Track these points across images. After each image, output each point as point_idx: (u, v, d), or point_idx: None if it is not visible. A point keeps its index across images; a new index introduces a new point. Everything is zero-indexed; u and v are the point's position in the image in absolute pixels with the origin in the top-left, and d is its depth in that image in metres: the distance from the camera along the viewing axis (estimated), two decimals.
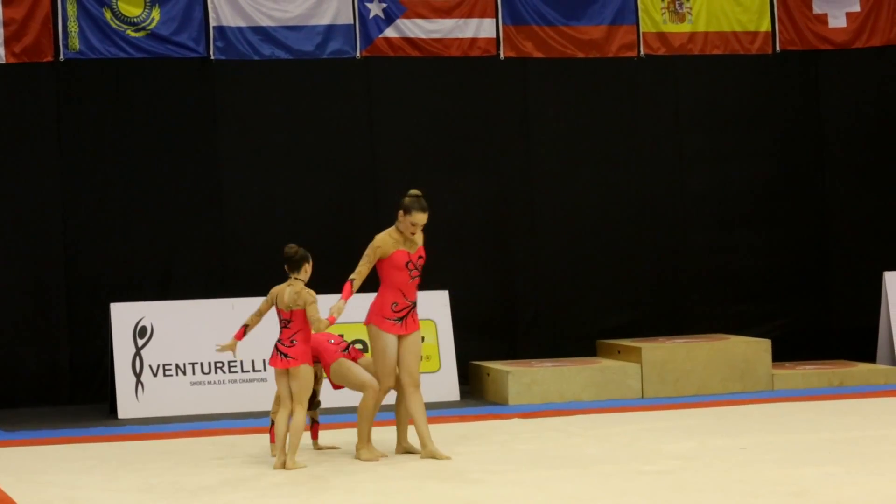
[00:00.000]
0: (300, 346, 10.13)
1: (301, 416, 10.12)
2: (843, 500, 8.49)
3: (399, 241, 10.36)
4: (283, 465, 10.04)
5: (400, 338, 10.36)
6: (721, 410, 12.54)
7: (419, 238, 10.44)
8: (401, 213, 10.37)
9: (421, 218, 10.34)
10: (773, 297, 15.35)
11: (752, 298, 15.29)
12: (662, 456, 10.19)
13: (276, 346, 10.22)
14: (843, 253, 15.49)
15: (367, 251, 10.32)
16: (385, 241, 10.32)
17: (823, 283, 15.50)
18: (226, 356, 13.05)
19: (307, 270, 10.25)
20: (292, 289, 10.18)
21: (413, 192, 10.44)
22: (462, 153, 14.84)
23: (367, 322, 10.42)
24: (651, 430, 11.46)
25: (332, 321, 10.11)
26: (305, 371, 10.15)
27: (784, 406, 12.71)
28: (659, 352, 13.73)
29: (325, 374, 10.64)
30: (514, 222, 14.96)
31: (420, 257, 10.41)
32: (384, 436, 10.70)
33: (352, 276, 10.23)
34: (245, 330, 10.39)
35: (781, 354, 14.38)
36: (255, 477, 9.81)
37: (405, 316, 10.36)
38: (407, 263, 10.32)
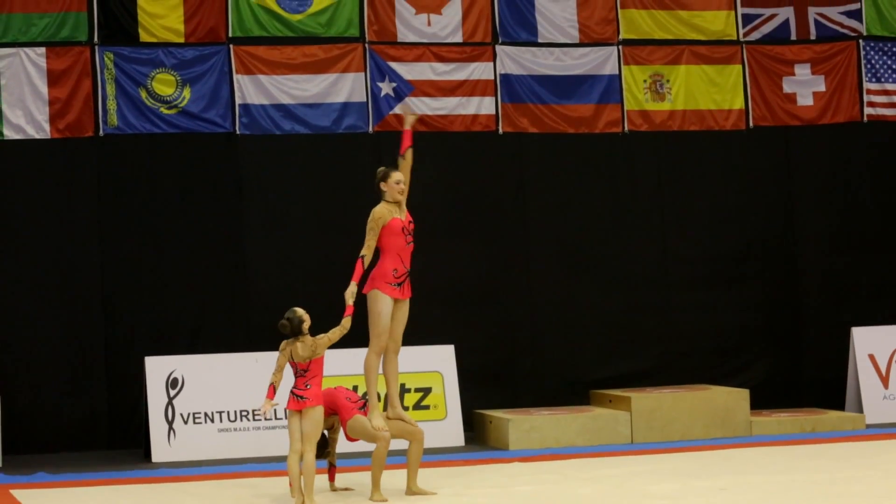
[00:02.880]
0: (314, 389, 10.17)
1: (311, 456, 10.09)
2: None
3: (392, 210, 10.57)
4: None
5: (396, 301, 10.55)
6: (703, 454, 12.53)
7: (403, 205, 10.67)
8: (381, 184, 10.64)
9: (398, 175, 10.65)
10: (751, 351, 15.30)
11: (732, 352, 15.24)
12: (650, 496, 10.17)
13: (291, 392, 10.24)
14: (813, 310, 15.44)
15: (370, 225, 10.50)
16: (382, 212, 10.54)
17: (796, 338, 15.43)
18: (252, 405, 13.13)
19: (307, 325, 10.28)
20: (304, 343, 10.20)
21: (380, 168, 10.76)
22: (464, 219, 14.86)
23: (369, 289, 10.54)
24: (639, 473, 11.44)
25: (350, 310, 10.25)
26: (318, 412, 10.16)
27: (761, 450, 12.69)
28: (647, 401, 13.70)
29: (341, 426, 10.63)
30: (513, 282, 14.92)
31: (410, 222, 10.67)
32: (395, 478, 10.68)
33: (362, 253, 10.47)
34: (273, 388, 10.34)
35: (758, 403, 14.32)
36: None
37: (403, 282, 10.56)
38: (402, 228, 10.56)
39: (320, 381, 10.24)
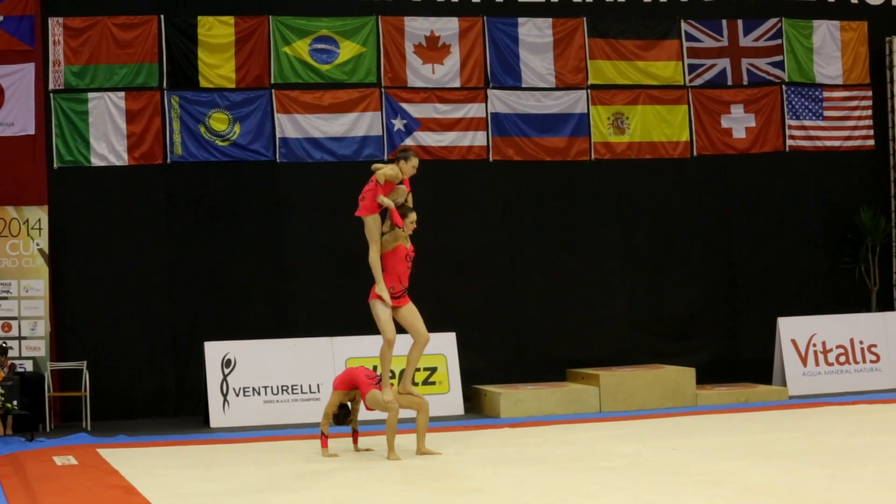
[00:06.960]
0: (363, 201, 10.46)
1: (376, 254, 10.30)
2: (748, 485, 8.53)
3: (403, 239, 10.37)
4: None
5: (396, 308, 10.41)
6: (658, 421, 12.54)
7: (409, 230, 10.51)
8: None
9: (414, 216, 10.47)
10: (697, 337, 15.30)
11: (681, 338, 15.23)
12: (614, 455, 10.19)
13: None
14: (747, 304, 15.43)
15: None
16: (397, 232, 10.44)
17: (733, 327, 15.43)
18: (290, 381, 13.18)
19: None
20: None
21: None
22: (462, 232, 14.82)
23: (371, 299, 10.46)
24: (606, 436, 11.45)
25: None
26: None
27: (705, 417, 12.71)
28: (612, 378, 13.71)
29: (361, 399, 10.62)
30: (503, 283, 14.91)
31: (413, 251, 10.53)
32: (407, 441, 10.73)
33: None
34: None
35: (703, 379, 14.34)
36: (312, 470, 9.85)
37: (399, 296, 10.44)
38: (406, 256, 10.44)
39: (373, 194, 10.37)
